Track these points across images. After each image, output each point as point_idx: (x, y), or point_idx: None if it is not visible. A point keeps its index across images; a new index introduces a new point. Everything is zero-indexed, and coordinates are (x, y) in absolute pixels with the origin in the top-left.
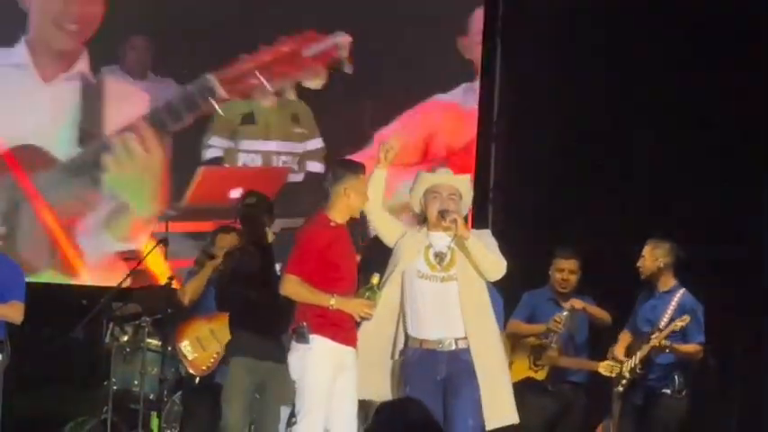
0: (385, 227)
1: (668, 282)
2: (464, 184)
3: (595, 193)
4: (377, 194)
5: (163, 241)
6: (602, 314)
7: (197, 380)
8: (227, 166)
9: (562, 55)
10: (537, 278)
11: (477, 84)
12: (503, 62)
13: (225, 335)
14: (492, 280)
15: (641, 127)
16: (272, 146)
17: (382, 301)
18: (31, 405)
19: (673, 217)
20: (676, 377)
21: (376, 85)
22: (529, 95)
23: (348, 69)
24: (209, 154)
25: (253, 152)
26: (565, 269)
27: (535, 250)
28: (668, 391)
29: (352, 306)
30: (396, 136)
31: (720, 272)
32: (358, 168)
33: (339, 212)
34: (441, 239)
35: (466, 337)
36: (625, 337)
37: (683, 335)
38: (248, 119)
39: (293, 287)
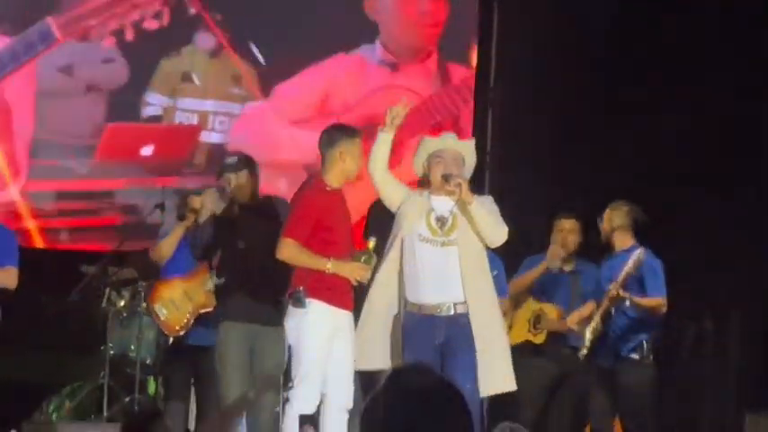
0: (389, 191)
1: (626, 242)
2: (468, 148)
3: (595, 158)
4: (382, 158)
5: (160, 206)
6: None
7: (170, 341)
8: (134, 123)
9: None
10: (535, 245)
11: (378, 45)
12: (499, 27)
13: (199, 295)
14: (493, 246)
15: (642, 95)
16: (208, 105)
17: (388, 267)
18: (28, 370)
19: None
20: (644, 342)
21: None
22: (527, 61)
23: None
24: (147, 112)
25: (189, 111)
26: (564, 228)
27: (533, 217)
28: (637, 357)
29: (348, 270)
30: (403, 102)
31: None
32: (353, 132)
33: (334, 176)
34: (443, 203)
35: (465, 302)
36: (589, 305)
37: (642, 290)
38: (188, 77)
39: (291, 251)
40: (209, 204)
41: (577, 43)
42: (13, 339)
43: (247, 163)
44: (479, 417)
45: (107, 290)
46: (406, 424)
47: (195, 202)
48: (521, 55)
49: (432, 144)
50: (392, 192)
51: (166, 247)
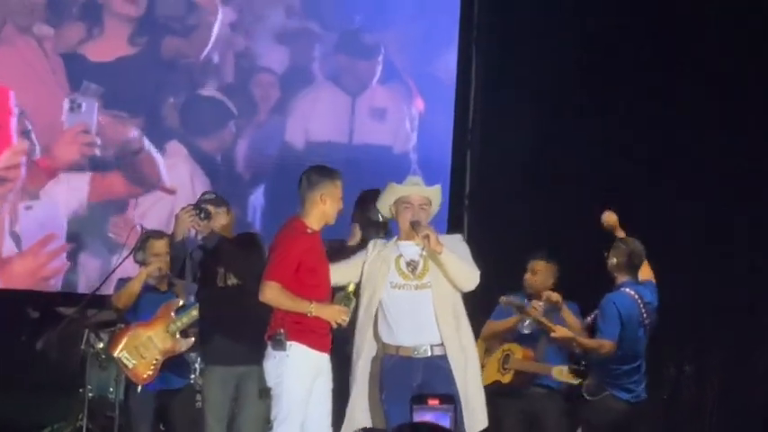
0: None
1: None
2: (435, 193)
3: (570, 200)
4: None
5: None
6: (575, 323)
7: (139, 388)
8: None
9: (536, 63)
10: (512, 284)
11: None
12: (477, 71)
13: (164, 341)
14: (465, 291)
15: (617, 136)
16: None
17: (365, 321)
18: (7, 411)
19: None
20: None
21: None
22: (504, 104)
23: None
24: None
25: None
26: (530, 269)
27: (510, 257)
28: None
29: (329, 313)
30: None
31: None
32: (334, 174)
33: (315, 219)
34: (412, 248)
35: (441, 344)
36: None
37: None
38: None
39: (273, 293)
40: (187, 221)
41: (554, 85)
42: None
43: (225, 201)
44: None
45: (86, 332)
46: None
47: (156, 246)
48: (498, 96)
49: (399, 190)
50: (346, 278)
51: (125, 297)
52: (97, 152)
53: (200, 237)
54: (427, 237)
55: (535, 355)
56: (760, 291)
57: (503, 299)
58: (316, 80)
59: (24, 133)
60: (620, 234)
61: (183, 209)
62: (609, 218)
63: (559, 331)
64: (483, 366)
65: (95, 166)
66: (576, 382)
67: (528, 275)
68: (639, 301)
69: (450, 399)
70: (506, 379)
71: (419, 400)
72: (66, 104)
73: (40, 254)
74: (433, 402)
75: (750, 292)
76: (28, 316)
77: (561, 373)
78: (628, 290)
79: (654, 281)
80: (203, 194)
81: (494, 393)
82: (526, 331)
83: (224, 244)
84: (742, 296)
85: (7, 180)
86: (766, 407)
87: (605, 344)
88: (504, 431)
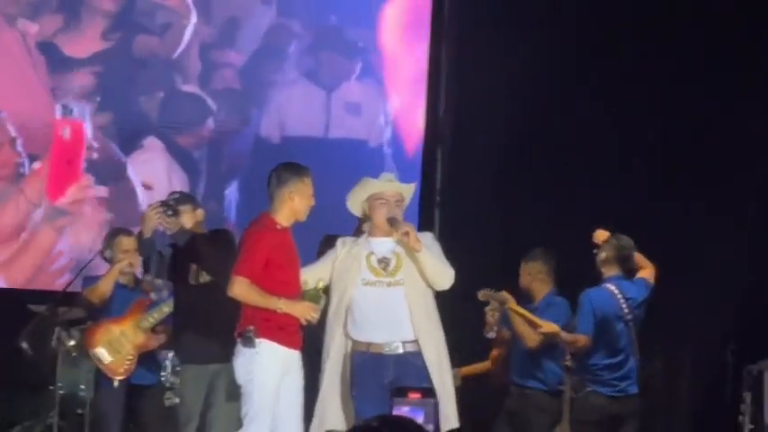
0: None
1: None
2: (409, 190)
3: (542, 193)
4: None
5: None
6: (525, 329)
7: (116, 383)
8: None
9: (506, 58)
10: (485, 281)
11: None
12: (449, 67)
13: (135, 336)
14: (440, 289)
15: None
16: None
17: (336, 319)
18: None
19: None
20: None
21: None
22: (474, 99)
23: None
24: None
25: None
26: (523, 272)
27: (483, 254)
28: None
29: (299, 309)
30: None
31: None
32: (302, 172)
33: (284, 216)
34: (383, 245)
35: (414, 341)
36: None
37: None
38: None
39: (242, 289)
40: (154, 218)
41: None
42: None
43: (191, 198)
44: None
45: (57, 329)
46: None
47: (125, 243)
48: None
49: (373, 185)
50: (316, 277)
51: (99, 294)
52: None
53: (168, 234)
54: (407, 234)
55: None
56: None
57: (481, 293)
58: (291, 76)
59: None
60: None
61: (151, 206)
62: (601, 236)
63: (545, 326)
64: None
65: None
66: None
67: (523, 278)
68: (620, 296)
69: (431, 392)
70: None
71: (399, 393)
72: (58, 110)
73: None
74: (414, 396)
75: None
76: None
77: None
78: (608, 285)
79: (650, 280)
80: (171, 194)
81: (477, 392)
82: (490, 335)
83: (195, 241)
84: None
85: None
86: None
87: (580, 338)
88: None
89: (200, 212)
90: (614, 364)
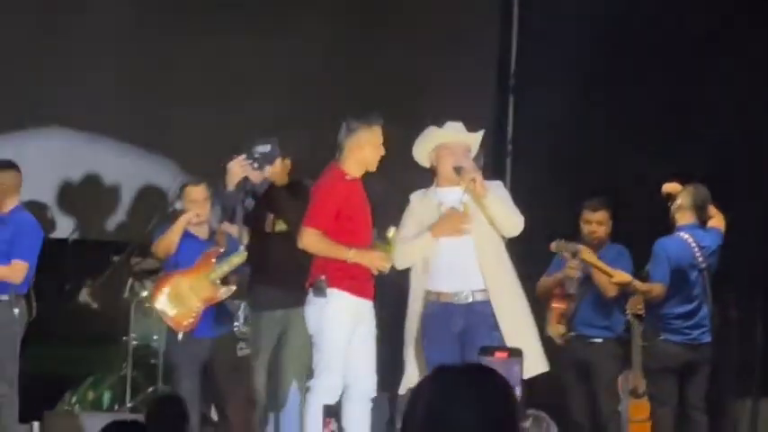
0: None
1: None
2: (476, 139)
3: (614, 139)
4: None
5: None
6: (603, 281)
7: (180, 336)
8: None
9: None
10: (557, 230)
11: None
12: (519, 15)
13: (204, 289)
14: (509, 236)
15: (657, 70)
16: None
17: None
18: (50, 361)
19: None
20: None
21: None
22: (545, 46)
23: None
24: None
25: None
26: (592, 221)
27: (554, 202)
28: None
29: (369, 259)
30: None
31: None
32: (371, 120)
33: (354, 166)
34: (452, 194)
35: (484, 290)
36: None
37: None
38: None
39: (313, 240)
40: (238, 170)
41: (596, 27)
42: (36, 331)
43: (277, 148)
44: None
45: (130, 280)
46: (447, 407)
47: (193, 192)
48: (540, 40)
49: (439, 135)
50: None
51: (164, 246)
52: None
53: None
54: (474, 180)
55: (569, 310)
56: None
57: (554, 244)
58: None
59: None
60: None
61: (236, 160)
62: (672, 187)
63: (617, 276)
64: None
65: None
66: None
67: (585, 226)
68: (694, 244)
69: (519, 352)
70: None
71: (485, 351)
72: None
73: None
74: (501, 356)
75: None
76: (70, 265)
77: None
78: (682, 233)
79: (722, 229)
80: (256, 144)
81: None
82: (572, 291)
83: (273, 190)
84: None
85: None
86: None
87: (655, 287)
88: (563, 383)
89: (287, 163)
90: (687, 313)
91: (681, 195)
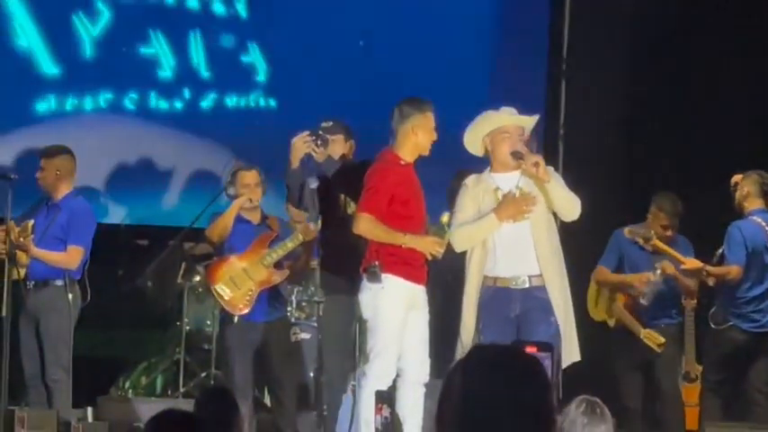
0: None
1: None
2: (530, 123)
3: (668, 129)
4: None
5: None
6: (688, 283)
7: (235, 319)
8: None
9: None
10: (608, 218)
11: None
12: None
13: (258, 273)
14: (570, 220)
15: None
16: None
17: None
18: (104, 346)
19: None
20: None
21: None
22: (600, 30)
23: None
24: None
25: None
26: (668, 226)
27: (606, 190)
28: None
29: (423, 244)
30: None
31: None
32: (424, 106)
33: (408, 151)
34: (508, 180)
35: (540, 275)
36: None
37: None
38: None
39: (367, 225)
40: (303, 148)
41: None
42: (89, 316)
43: (344, 128)
44: (557, 389)
45: (183, 265)
46: (483, 390)
47: (246, 177)
48: (594, 26)
49: (496, 119)
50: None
51: (219, 230)
52: None
53: (317, 163)
54: (537, 164)
55: (638, 305)
56: None
57: (627, 229)
58: None
59: None
60: None
61: (299, 136)
62: (736, 177)
63: (689, 263)
64: (596, 303)
65: None
66: (656, 347)
67: (657, 226)
68: (766, 227)
69: (548, 347)
70: (612, 323)
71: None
72: None
73: None
74: (531, 350)
75: None
76: (123, 250)
77: (648, 336)
78: (754, 217)
79: None
80: (322, 122)
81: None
82: (644, 302)
83: (344, 170)
84: None
85: None
86: None
87: (732, 269)
88: (618, 370)
89: (351, 143)
90: (759, 296)
91: (745, 183)
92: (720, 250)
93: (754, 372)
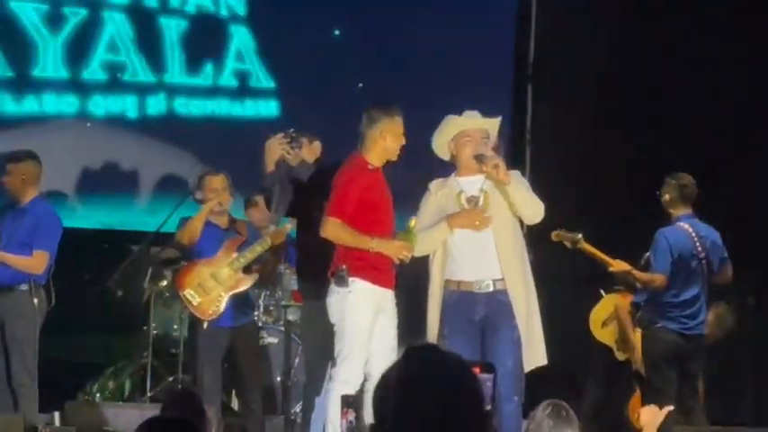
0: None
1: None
2: (494, 125)
3: (633, 134)
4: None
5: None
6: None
7: (205, 324)
8: None
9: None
10: (573, 221)
11: None
12: (538, 5)
13: (227, 278)
14: (531, 223)
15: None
16: None
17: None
18: (71, 351)
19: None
20: None
21: None
22: (564, 36)
23: None
24: None
25: None
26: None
27: (572, 193)
28: None
29: (391, 248)
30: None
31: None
32: (392, 111)
33: (376, 155)
34: (472, 183)
35: (503, 279)
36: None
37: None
38: None
39: (335, 230)
40: (277, 149)
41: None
42: (56, 320)
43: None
44: (521, 392)
45: (149, 270)
46: (417, 401)
47: (214, 182)
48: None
49: (458, 123)
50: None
51: (189, 234)
52: None
53: (290, 167)
54: (496, 166)
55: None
56: None
57: (554, 233)
58: None
59: None
60: None
61: (274, 138)
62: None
63: (617, 265)
64: (603, 324)
65: None
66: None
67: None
68: (694, 234)
69: (491, 368)
70: (621, 357)
71: None
72: None
73: None
74: (475, 370)
75: None
76: (90, 255)
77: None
78: (681, 223)
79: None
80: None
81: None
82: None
83: (318, 174)
84: None
85: None
86: None
87: (657, 277)
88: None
89: (316, 145)
90: (686, 302)
91: (665, 190)
92: (647, 254)
93: (683, 377)
